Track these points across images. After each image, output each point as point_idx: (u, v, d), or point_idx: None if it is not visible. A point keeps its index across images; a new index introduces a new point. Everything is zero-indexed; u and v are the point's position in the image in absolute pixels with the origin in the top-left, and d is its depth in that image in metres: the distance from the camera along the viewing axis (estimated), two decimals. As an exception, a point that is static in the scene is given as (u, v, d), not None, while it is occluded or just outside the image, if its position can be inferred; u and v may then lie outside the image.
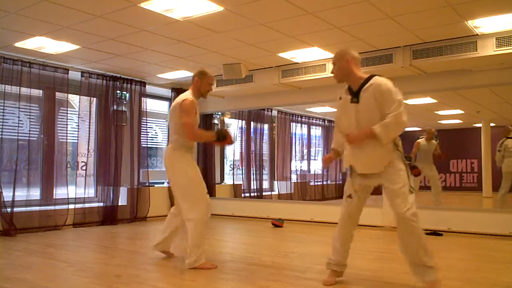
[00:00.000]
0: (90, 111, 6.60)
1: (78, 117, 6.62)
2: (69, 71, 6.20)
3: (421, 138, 7.58)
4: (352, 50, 3.08)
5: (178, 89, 7.67)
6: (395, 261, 3.96)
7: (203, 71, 3.76)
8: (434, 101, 8.22)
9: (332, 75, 3.16)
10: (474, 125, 11.58)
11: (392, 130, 2.84)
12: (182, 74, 6.80)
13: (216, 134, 3.70)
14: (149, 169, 7.26)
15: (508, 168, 7.08)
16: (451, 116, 10.65)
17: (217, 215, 7.58)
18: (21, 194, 5.65)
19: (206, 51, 5.59)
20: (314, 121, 10.93)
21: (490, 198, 10.30)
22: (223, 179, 8.66)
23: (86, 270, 3.62)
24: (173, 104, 3.76)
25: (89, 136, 6.49)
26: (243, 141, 9.03)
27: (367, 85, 2.94)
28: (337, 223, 3.23)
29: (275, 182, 9.65)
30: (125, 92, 6.93)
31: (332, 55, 5.73)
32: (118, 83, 6.81)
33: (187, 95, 3.70)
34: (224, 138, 3.69)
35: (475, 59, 5.01)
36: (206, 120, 8.13)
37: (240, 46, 5.37)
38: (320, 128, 11.24)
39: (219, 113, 8.48)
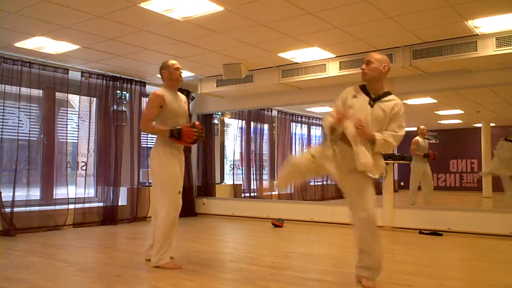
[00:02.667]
0: (90, 111, 6.60)
1: (78, 117, 6.62)
2: (69, 71, 6.20)
3: (417, 136, 7.72)
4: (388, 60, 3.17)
5: (178, 89, 7.66)
6: (395, 261, 3.97)
7: (164, 63, 3.86)
8: (434, 101, 8.22)
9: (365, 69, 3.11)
10: (474, 125, 11.57)
11: (387, 146, 2.97)
12: (182, 74, 6.78)
13: (169, 131, 3.54)
14: (149, 169, 7.24)
15: None
16: (451, 116, 10.64)
17: (217, 215, 7.58)
18: (21, 194, 5.65)
19: (206, 51, 5.59)
20: (314, 121, 10.92)
21: (490, 198, 10.29)
22: (223, 179, 8.65)
23: (86, 270, 3.62)
24: None
25: (89, 136, 6.49)
26: (243, 141, 9.03)
27: (387, 98, 3.03)
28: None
29: (275, 182, 9.63)
30: (125, 92, 6.93)
31: (332, 55, 5.78)
32: (118, 83, 6.81)
33: (156, 89, 3.80)
34: (179, 136, 3.54)
35: (475, 59, 5.00)
36: (206, 120, 8.13)
37: (240, 46, 5.37)
38: (320, 128, 11.22)
39: (219, 113, 8.48)
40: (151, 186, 7.14)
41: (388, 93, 3.07)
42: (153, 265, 3.58)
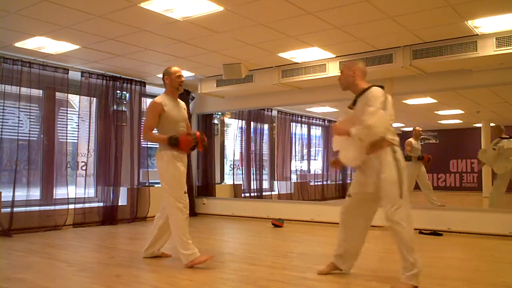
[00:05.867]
0: (90, 111, 6.60)
1: (78, 117, 6.62)
2: (69, 71, 6.20)
3: (411, 138, 7.77)
4: (360, 63, 3.29)
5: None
6: (395, 261, 3.96)
7: (167, 69, 3.90)
8: (434, 101, 8.22)
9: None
10: (474, 125, 11.57)
11: (363, 134, 2.96)
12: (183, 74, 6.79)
13: (168, 139, 3.65)
14: (149, 169, 7.26)
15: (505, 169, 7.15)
16: (451, 116, 10.65)
17: (217, 215, 7.58)
18: (21, 194, 5.65)
19: (206, 51, 5.59)
20: (314, 121, 10.92)
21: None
22: (223, 179, 8.66)
23: (86, 270, 3.62)
24: None
25: (89, 136, 6.49)
26: (243, 141, 9.03)
27: (363, 94, 3.12)
28: (337, 223, 3.28)
29: (275, 182, 9.64)
30: (125, 92, 6.93)
31: (332, 55, 5.78)
32: (118, 83, 6.81)
33: (157, 97, 3.85)
34: (176, 143, 3.63)
35: (475, 59, 5.00)
36: (206, 120, 8.13)
37: (240, 46, 5.37)
38: (320, 128, 11.23)
39: (219, 113, 8.48)
40: (152, 186, 7.19)
41: (367, 89, 3.12)
42: (186, 263, 3.61)
